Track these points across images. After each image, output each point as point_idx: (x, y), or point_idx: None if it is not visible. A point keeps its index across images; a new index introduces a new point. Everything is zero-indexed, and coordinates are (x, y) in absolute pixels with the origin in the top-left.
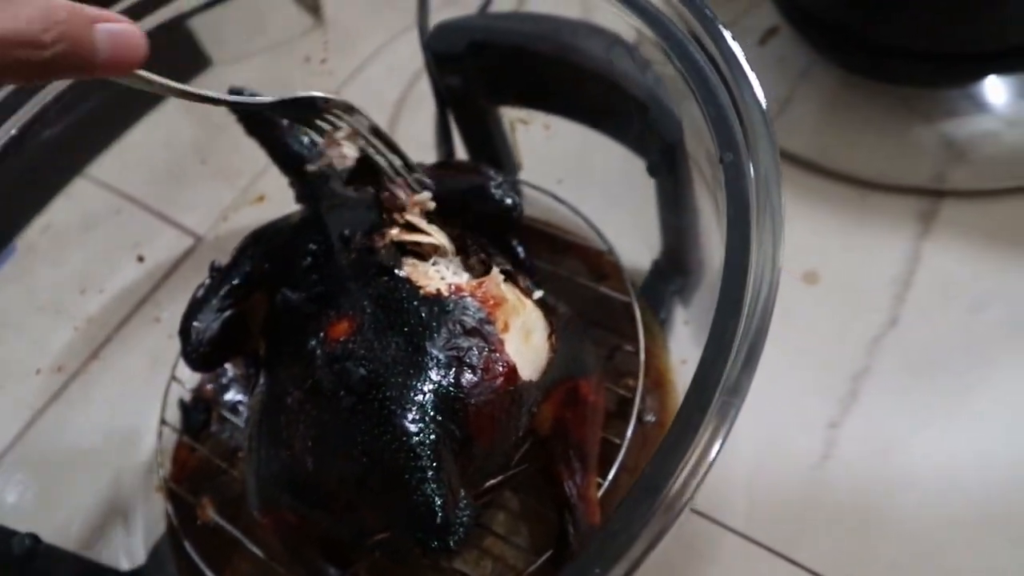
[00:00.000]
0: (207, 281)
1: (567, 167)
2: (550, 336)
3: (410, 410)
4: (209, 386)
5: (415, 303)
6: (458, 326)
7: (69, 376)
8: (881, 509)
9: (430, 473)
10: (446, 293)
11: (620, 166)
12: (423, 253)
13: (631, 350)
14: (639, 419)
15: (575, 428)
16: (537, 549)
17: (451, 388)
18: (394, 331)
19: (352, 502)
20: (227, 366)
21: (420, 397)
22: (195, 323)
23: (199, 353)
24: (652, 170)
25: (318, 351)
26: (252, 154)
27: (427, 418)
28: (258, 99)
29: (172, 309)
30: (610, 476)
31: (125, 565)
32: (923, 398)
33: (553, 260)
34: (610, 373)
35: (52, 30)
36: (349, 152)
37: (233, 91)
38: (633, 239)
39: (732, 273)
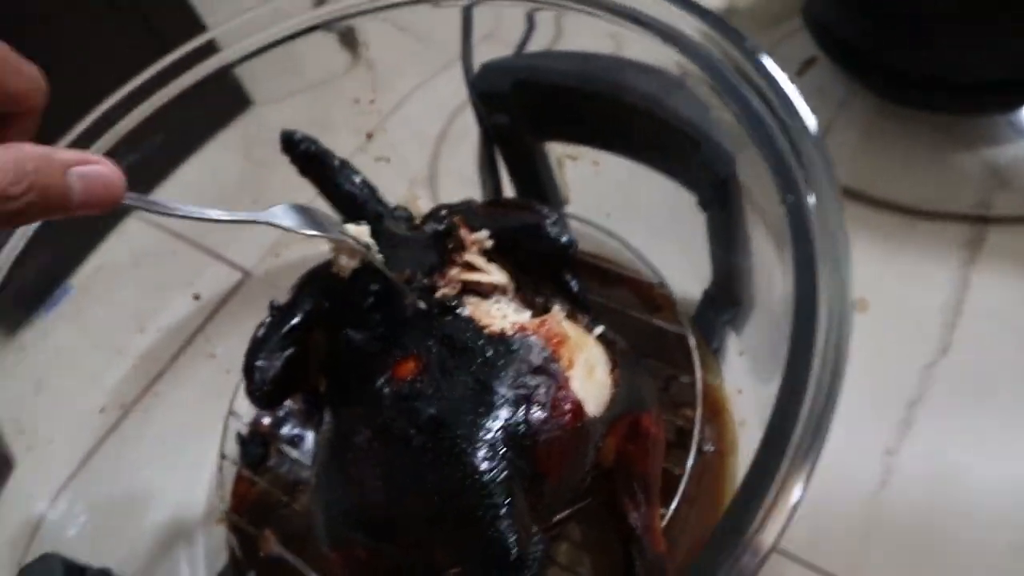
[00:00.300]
0: (267, 319)
1: (615, 201)
2: (612, 371)
3: (481, 448)
4: (266, 420)
5: (480, 343)
6: (524, 365)
7: (126, 412)
8: (942, 534)
9: (503, 510)
10: (510, 332)
11: (669, 199)
12: (483, 292)
13: (686, 381)
14: (699, 449)
15: (638, 461)
16: None
17: (520, 426)
18: (461, 370)
19: (424, 539)
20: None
21: (490, 435)
22: (259, 362)
23: (263, 392)
24: (704, 205)
25: (385, 390)
26: (302, 191)
27: (498, 456)
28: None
29: (225, 344)
30: (672, 506)
31: None
32: (978, 424)
33: (604, 293)
34: (666, 404)
35: (22, 182)
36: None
37: (286, 136)
38: (683, 270)
39: (803, 318)
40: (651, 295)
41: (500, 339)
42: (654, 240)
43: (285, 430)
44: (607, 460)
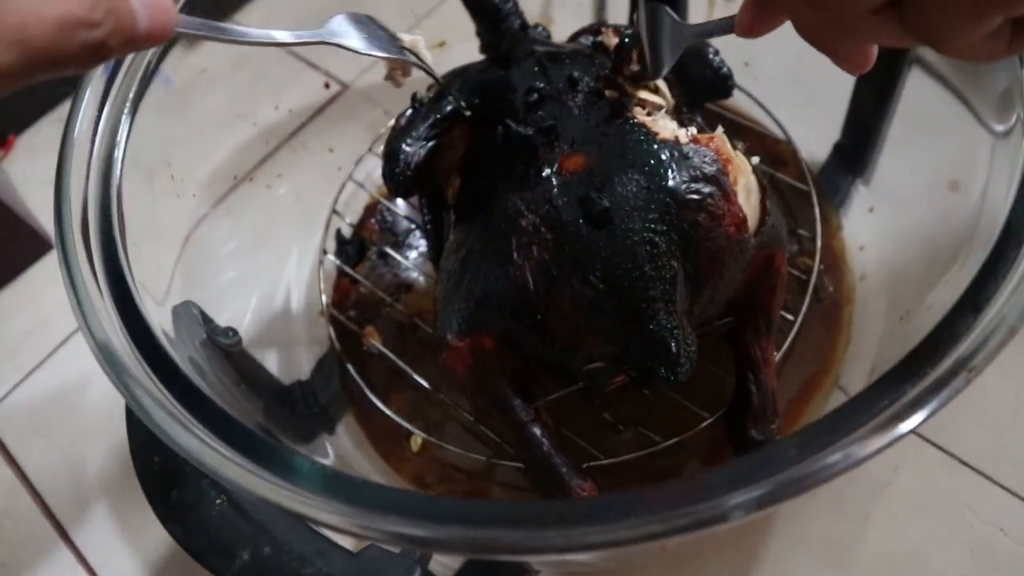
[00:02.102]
0: (408, 111)
1: (757, 50)
2: (763, 201)
3: (651, 244)
4: (372, 220)
5: (655, 146)
6: (698, 172)
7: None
8: None
9: (667, 305)
10: (684, 140)
11: (813, 53)
12: (646, 106)
13: (806, 235)
14: (816, 297)
15: (767, 296)
16: (708, 407)
17: (690, 229)
18: (634, 169)
19: (579, 326)
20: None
21: (660, 234)
22: (404, 146)
23: (405, 176)
24: None
25: (554, 180)
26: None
27: (667, 254)
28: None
29: (343, 145)
30: (784, 347)
31: (288, 380)
32: None
33: (731, 145)
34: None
35: (100, 7)
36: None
37: None
38: (813, 125)
39: None
40: (777, 150)
41: (674, 145)
42: (788, 93)
43: (392, 232)
44: (739, 289)
